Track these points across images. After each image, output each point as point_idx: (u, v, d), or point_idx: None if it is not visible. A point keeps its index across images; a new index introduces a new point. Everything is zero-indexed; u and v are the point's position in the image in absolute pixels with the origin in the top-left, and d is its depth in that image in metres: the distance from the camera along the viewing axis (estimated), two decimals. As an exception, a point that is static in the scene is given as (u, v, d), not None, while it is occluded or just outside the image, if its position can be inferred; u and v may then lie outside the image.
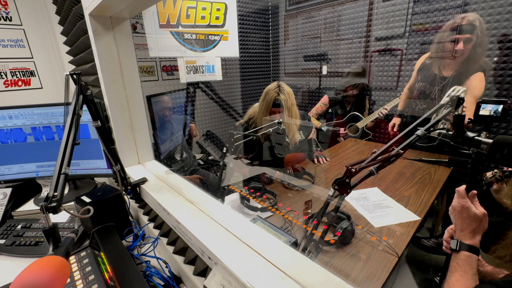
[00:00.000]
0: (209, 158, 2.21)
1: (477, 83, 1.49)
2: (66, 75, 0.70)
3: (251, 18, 3.27)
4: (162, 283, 0.73)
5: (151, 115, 1.36)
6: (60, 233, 0.96)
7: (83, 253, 0.81)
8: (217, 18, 3.11)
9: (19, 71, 2.09)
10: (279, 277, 0.52)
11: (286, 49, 3.34)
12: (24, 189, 1.20)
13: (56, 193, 0.56)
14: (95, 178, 1.34)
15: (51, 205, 0.53)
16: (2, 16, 1.96)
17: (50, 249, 0.53)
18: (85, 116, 1.07)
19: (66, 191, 1.22)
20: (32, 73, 2.15)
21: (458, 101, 0.63)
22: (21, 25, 2.05)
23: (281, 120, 1.36)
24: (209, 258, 0.62)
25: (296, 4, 3.06)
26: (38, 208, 1.13)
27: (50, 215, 0.56)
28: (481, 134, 0.70)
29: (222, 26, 3.17)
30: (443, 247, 0.78)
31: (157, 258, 0.78)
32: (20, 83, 2.11)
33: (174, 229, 0.79)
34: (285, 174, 1.55)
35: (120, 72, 1.06)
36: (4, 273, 0.82)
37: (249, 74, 3.45)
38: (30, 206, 1.13)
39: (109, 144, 0.84)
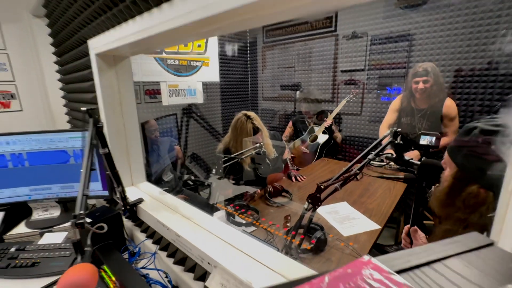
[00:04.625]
0: (192, 178, 2.30)
1: (448, 107, 2.01)
2: (84, 110, 0.82)
3: (231, 47, 3.54)
4: (163, 289, 0.82)
5: (144, 140, 1.47)
6: (57, 253, 1.02)
7: (85, 270, 0.88)
8: (199, 46, 3.34)
9: (-1, 94, 2.09)
10: (268, 272, 0.67)
11: (263, 76, 3.63)
12: (13, 213, 1.22)
13: (81, 211, 0.66)
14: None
15: (79, 222, 0.64)
16: (-13, 41, 1.99)
17: (79, 258, 0.62)
18: (72, 142, 1.16)
19: (58, 213, 1.27)
20: (12, 96, 2.15)
21: (396, 133, 0.85)
22: (5, 49, 2.09)
23: (262, 143, 1.54)
24: (208, 263, 0.74)
25: (272, 37, 3.40)
26: (31, 230, 1.17)
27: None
28: (422, 158, 0.92)
29: (204, 53, 3.39)
30: (402, 244, 0.96)
31: (158, 270, 0.88)
32: (-1, 105, 2.10)
33: (173, 242, 0.89)
34: (266, 192, 1.71)
35: (119, 102, 1.18)
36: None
37: (229, 98, 3.66)
38: (21, 229, 1.16)
39: (114, 168, 0.95)
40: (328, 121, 2.55)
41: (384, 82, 2.59)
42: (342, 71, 2.82)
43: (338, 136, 2.64)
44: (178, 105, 3.21)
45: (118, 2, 0.79)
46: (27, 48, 2.17)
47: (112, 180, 0.96)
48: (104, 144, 0.91)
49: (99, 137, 0.89)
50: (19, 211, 1.24)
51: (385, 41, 2.52)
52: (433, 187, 1.17)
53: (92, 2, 0.94)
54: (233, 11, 0.50)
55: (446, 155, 0.61)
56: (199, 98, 3.39)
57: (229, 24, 0.61)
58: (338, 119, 2.96)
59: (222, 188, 1.78)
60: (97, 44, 1.04)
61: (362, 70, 2.69)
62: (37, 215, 1.23)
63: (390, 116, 2.27)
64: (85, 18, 1.04)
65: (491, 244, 0.25)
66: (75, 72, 1.34)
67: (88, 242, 0.96)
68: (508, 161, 0.32)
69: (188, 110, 3.23)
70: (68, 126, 2.36)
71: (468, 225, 0.52)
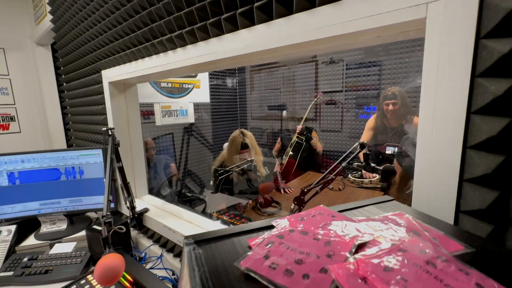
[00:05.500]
0: (187, 194, 2.42)
1: (416, 125, 2.18)
2: (105, 129, 0.97)
3: (221, 71, 3.80)
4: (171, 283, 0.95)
5: (146, 156, 1.61)
6: (69, 260, 1.12)
7: (98, 272, 0.99)
8: (190, 70, 3.57)
9: (-1, 117, 2.18)
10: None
11: (252, 97, 3.89)
12: (23, 226, 1.30)
13: (108, 213, 0.80)
14: (89, 214, 1.48)
15: (108, 220, 0.77)
16: (-10, 68, 2.11)
17: (107, 250, 0.75)
18: (81, 159, 1.29)
19: (65, 226, 1.35)
20: (12, 118, 2.24)
21: (362, 145, 1.05)
22: (8, 75, 2.21)
23: (252, 158, 1.71)
24: (212, 256, 0.88)
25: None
26: (40, 242, 1.25)
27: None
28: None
29: (195, 76, 3.62)
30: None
31: (166, 269, 1.00)
32: (-2, 127, 2.17)
33: (179, 243, 1.02)
34: (257, 203, 1.86)
35: (127, 123, 1.34)
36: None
37: (219, 117, 3.87)
38: (31, 241, 1.24)
39: (126, 180, 1.09)
40: (299, 127, 2.80)
41: (360, 102, 2.88)
42: (322, 92, 3.11)
43: (318, 144, 2.85)
44: (175, 125, 3.36)
45: (137, 44, 0.98)
46: (29, 74, 2.30)
47: (124, 191, 1.09)
48: (119, 159, 1.05)
49: (116, 153, 1.03)
50: (28, 225, 1.32)
51: (359, 66, 2.84)
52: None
53: (111, 41, 1.12)
54: (235, 57, 0.70)
55: (395, 160, 0.80)
56: (190, 118, 3.57)
57: (228, 64, 0.81)
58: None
59: (216, 202, 1.91)
60: (111, 75, 1.21)
61: (340, 91, 2.99)
62: (45, 228, 1.31)
63: (366, 134, 2.52)
64: (101, 53, 1.22)
65: (392, 200, 0.43)
66: (85, 96, 1.50)
67: (109, 240, 1.08)
68: (413, 156, 0.52)
69: (188, 129, 3.40)
70: (65, 146, 2.45)
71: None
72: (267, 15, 0.60)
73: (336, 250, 0.27)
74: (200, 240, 0.32)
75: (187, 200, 2.11)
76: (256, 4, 0.60)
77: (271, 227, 0.34)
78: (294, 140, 2.79)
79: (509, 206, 0.38)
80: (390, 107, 2.27)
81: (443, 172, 0.42)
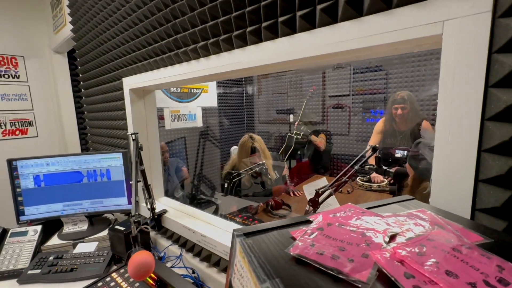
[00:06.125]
0: (202, 196, 2.47)
1: (427, 128, 2.19)
2: (130, 134, 1.03)
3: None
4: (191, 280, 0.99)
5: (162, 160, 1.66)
6: (92, 259, 1.17)
7: (122, 270, 1.04)
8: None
9: (18, 122, 2.26)
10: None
11: (259, 101, 3.95)
12: (48, 227, 1.36)
13: (137, 213, 0.85)
14: (107, 215, 1.54)
15: (137, 220, 0.82)
16: (11, 75, 2.21)
17: (136, 248, 0.80)
18: (102, 162, 1.35)
19: (86, 227, 1.41)
20: (30, 123, 2.33)
21: (374, 148, 1.09)
22: (27, 81, 2.30)
23: (263, 161, 1.76)
24: (232, 255, 0.92)
25: (265, 67, 3.76)
26: (64, 242, 1.30)
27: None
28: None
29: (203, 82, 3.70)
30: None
31: (186, 267, 1.04)
32: (17, 132, 2.26)
33: (198, 243, 1.07)
34: (268, 205, 1.89)
35: (146, 127, 1.40)
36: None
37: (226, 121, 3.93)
38: (55, 241, 1.30)
39: (147, 182, 1.14)
40: (296, 122, 2.93)
41: (367, 105, 2.92)
42: (330, 96, 3.16)
43: (318, 141, 2.88)
44: (184, 129, 3.43)
45: (160, 53, 1.04)
46: (46, 80, 2.39)
47: (145, 192, 1.14)
48: (141, 162, 1.11)
49: (139, 156, 1.08)
50: (51, 225, 1.38)
51: (366, 70, 2.88)
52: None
53: (133, 51, 1.19)
54: (257, 67, 0.75)
55: (407, 163, 0.84)
56: (199, 122, 3.64)
57: (249, 73, 0.86)
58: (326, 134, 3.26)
59: (228, 204, 1.95)
60: (132, 82, 1.27)
61: (348, 95, 3.03)
62: (67, 228, 1.37)
63: (375, 138, 2.54)
64: (123, 61, 1.28)
65: (413, 199, 0.47)
66: (104, 102, 1.56)
67: (139, 239, 1.13)
68: (429, 159, 0.56)
69: (197, 133, 3.47)
70: (79, 150, 2.52)
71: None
72: (291, 29, 0.65)
73: (371, 240, 0.31)
74: (249, 233, 0.36)
75: (199, 202, 2.16)
76: (280, 19, 0.65)
77: (308, 221, 0.38)
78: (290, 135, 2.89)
79: (521, 204, 0.41)
80: (399, 111, 2.29)
81: (460, 173, 0.46)
